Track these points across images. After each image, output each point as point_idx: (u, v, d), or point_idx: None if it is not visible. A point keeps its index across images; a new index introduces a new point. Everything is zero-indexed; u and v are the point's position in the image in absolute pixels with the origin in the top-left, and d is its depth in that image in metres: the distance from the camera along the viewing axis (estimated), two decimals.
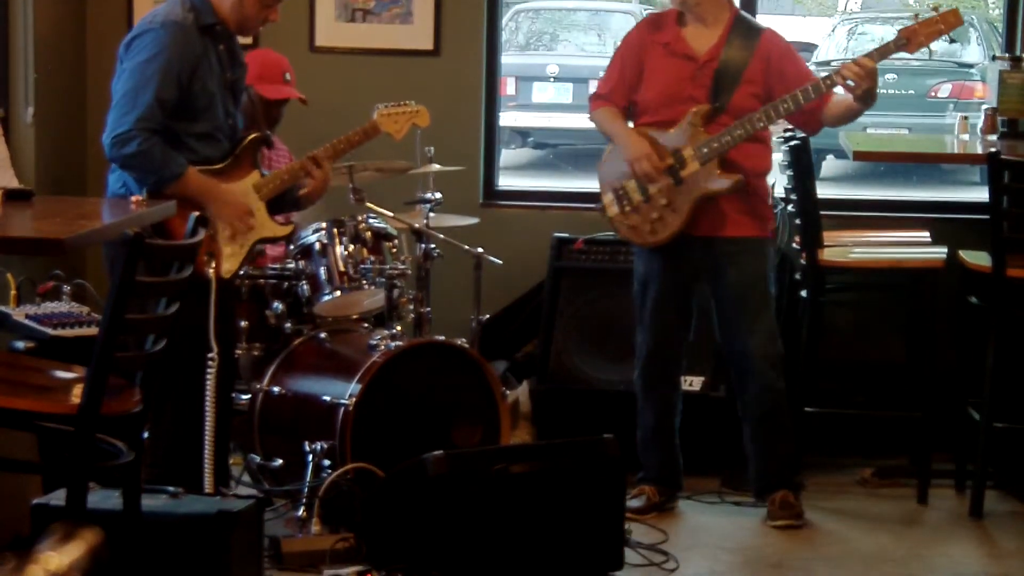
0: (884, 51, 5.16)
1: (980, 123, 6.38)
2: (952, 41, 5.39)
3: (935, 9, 5.18)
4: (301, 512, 4.97)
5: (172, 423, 4.84)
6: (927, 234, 6.08)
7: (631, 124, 5.43)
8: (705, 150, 5.25)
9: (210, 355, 4.75)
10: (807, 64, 5.54)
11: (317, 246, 5.37)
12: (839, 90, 5.24)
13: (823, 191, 6.04)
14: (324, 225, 5.39)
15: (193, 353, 4.74)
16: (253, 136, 5.04)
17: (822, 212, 5.89)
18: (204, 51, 4.85)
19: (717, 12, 5.36)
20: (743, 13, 5.46)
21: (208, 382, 4.77)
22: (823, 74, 5.32)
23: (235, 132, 5.01)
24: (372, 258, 5.38)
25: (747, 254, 5.35)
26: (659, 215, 5.34)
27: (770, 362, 5.37)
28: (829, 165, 12.60)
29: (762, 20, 5.82)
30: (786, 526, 5.34)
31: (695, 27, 5.38)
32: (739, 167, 5.28)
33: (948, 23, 5.12)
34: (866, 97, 5.17)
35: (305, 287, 5.36)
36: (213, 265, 4.79)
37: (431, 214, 5.58)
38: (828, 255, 5.73)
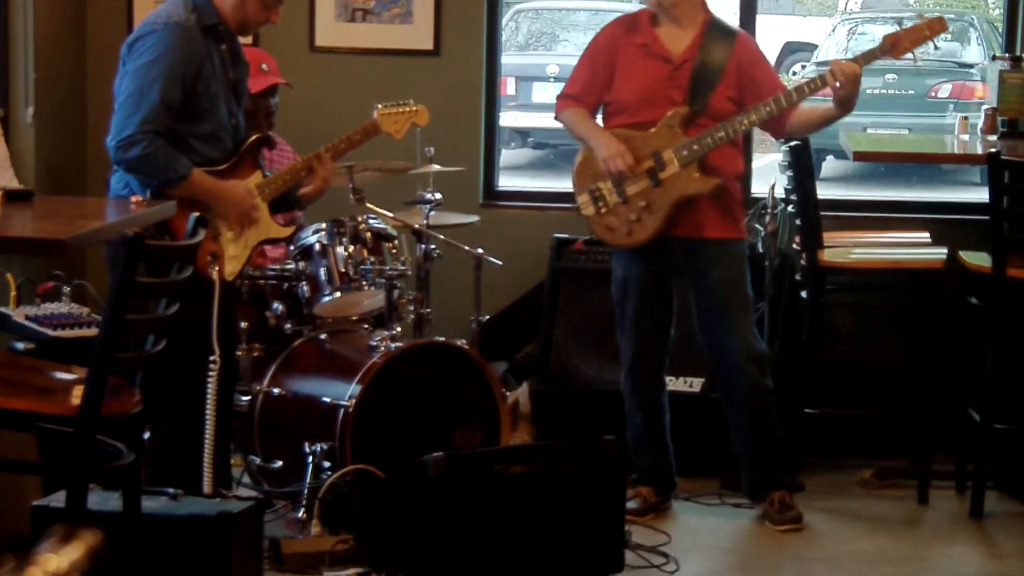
0: (869, 56, 5.20)
1: (980, 123, 6.38)
2: (936, 48, 5.42)
3: (920, 16, 5.22)
4: (301, 513, 4.97)
5: (173, 425, 4.84)
6: (927, 234, 6.07)
7: (602, 125, 5.41)
8: (685, 152, 5.25)
9: (212, 357, 4.75)
10: (777, 67, 5.54)
11: (317, 247, 5.36)
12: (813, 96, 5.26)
13: (823, 191, 6.04)
14: (324, 225, 5.39)
15: (195, 355, 4.73)
16: (255, 137, 5.03)
17: (822, 212, 5.88)
18: (207, 52, 4.84)
19: (692, 14, 5.35)
20: (716, 16, 5.43)
21: (210, 384, 4.77)
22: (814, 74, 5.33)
23: (238, 132, 5.00)
24: (372, 259, 5.37)
25: (728, 256, 5.35)
26: (637, 216, 5.32)
27: (756, 362, 5.37)
28: (829, 165, 12.60)
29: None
30: (791, 529, 5.34)
31: (670, 28, 5.37)
32: (716, 169, 5.28)
33: (933, 29, 5.16)
34: (846, 102, 5.19)
35: (305, 288, 5.36)
36: (216, 267, 4.79)
37: (431, 214, 5.58)
38: (828, 256, 5.72)
